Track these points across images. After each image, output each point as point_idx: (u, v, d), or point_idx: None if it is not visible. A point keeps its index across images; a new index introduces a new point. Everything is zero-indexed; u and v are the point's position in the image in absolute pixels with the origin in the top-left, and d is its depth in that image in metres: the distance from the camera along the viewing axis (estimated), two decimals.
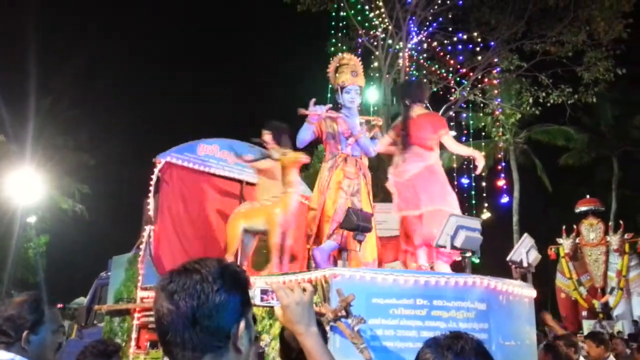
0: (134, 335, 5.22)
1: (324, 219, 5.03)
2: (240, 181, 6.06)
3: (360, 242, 4.42)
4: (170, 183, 5.71)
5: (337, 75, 5.50)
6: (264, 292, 1.50)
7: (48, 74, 21.39)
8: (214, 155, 6.13)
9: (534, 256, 5.04)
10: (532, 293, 5.03)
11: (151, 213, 5.57)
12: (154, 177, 5.63)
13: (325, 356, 1.47)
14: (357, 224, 4.20)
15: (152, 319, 4.68)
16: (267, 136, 5.63)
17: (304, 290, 1.51)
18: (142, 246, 5.52)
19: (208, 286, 1.15)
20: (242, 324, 1.19)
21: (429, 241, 4.87)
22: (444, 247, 4.45)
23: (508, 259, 5.10)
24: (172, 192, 5.72)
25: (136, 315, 5.36)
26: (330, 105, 5.21)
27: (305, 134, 5.09)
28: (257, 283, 1.57)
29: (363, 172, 5.23)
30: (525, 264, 4.95)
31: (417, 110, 5.32)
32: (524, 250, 4.96)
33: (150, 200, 5.61)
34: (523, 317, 4.77)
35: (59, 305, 14.83)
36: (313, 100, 5.08)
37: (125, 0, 31.07)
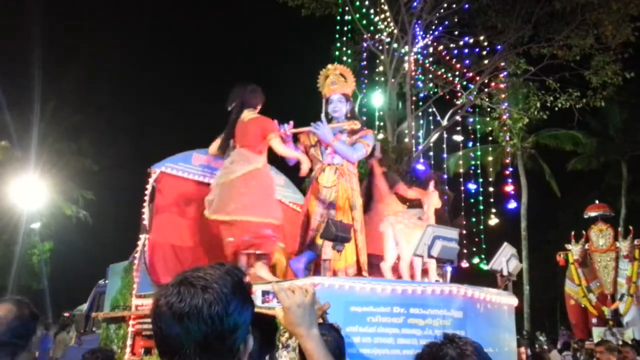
0: (129, 342, 5.28)
1: (303, 229, 5.19)
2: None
3: (339, 252, 4.51)
4: (164, 193, 5.75)
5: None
6: (265, 293, 1.48)
7: (51, 80, 21.38)
8: (209, 165, 6.11)
9: (514, 265, 5.13)
10: (512, 301, 5.16)
11: (146, 222, 5.64)
12: (148, 187, 5.72)
13: (326, 358, 1.45)
14: (336, 234, 4.29)
15: (146, 326, 4.97)
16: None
17: (306, 292, 1.49)
18: (137, 255, 5.61)
19: (222, 309, 1.10)
20: (250, 341, 1.18)
21: (238, 248, 4.87)
22: (422, 256, 4.57)
23: (489, 267, 5.21)
24: (167, 201, 5.75)
25: (131, 322, 5.42)
26: (292, 123, 5.19)
27: (290, 153, 5.16)
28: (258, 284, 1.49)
29: (345, 178, 5.19)
30: (505, 273, 5.07)
31: (248, 114, 5.22)
32: (504, 259, 5.08)
33: (145, 210, 5.68)
34: (501, 324, 4.90)
35: (66, 314, 14.68)
36: (275, 121, 5.14)
37: (128, 6, 31.18)
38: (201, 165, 6.04)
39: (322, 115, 5.13)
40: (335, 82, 5.38)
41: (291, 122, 5.15)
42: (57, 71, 22.29)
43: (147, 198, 5.69)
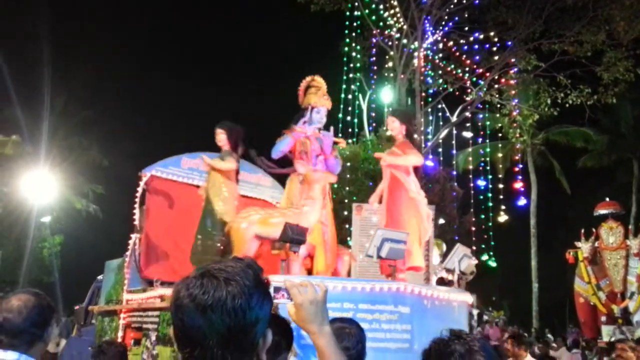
0: (120, 333, 5.62)
1: None
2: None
3: (295, 252, 4.81)
4: (155, 195, 6.09)
5: (306, 95, 5.66)
6: (276, 289, 1.44)
7: (61, 76, 21.49)
8: (197, 169, 6.40)
9: (467, 264, 5.48)
10: (463, 297, 5.42)
11: (137, 222, 5.96)
12: (139, 189, 6.04)
13: (338, 357, 1.44)
14: (291, 237, 4.61)
15: (135, 319, 5.34)
16: (221, 135, 5.71)
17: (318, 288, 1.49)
18: (128, 253, 5.94)
19: (245, 302, 1.10)
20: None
21: None
22: (372, 257, 4.93)
23: (442, 266, 5.63)
24: (157, 203, 6.08)
25: (122, 315, 5.75)
26: (319, 126, 5.45)
27: (285, 147, 5.31)
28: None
29: (328, 189, 5.47)
30: (457, 272, 5.42)
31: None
32: (457, 259, 5.39)
33: (136, 211, 6.00)
34: (450, 319, 5.15)
35: (76, 307, 14.83)
36: (303, 119, 5.39)
37: (139, 3, 31.25)
38: (190, 168, 6.35)
39: (332, 127, 5.36)
40: (327, 97, 5.59)
41: (315, 125, 5.37)
42: (67, 67, 22.40)
43: (137, 200, 6.01)
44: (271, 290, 1.45)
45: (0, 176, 21.37)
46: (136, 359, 5.12)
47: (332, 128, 5.46)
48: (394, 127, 5.85)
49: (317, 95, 5.55)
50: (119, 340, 5.52)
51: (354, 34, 17.55)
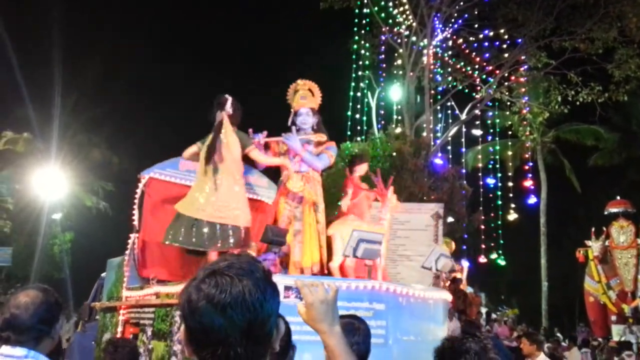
0: (119, 329, 5.92)
1: None
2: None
3: (275, 253, 5.04)
4: (153, 196, 6.28)
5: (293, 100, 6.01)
6: (287, 288, 1.48)
7: (72, 74, 21.62)
8: (194, 170, 6.52)
9: (443, 263, 5.89)
10: (439, 295, 5.73)
11: (135, 223, 6.22)
12: (138, 191, 6.30)
13: (348, 356, 1.45)
14: (271, 238, 4.87)
15: (133, 315, 5.77)
16: (229, 109, 5.55)
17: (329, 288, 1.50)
18: (127, 252, 6.20)
19: (261, 295, 1.12)
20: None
21: None
22: (349, 256, 5.18)
23: (421, 265, 5.97)
24: (155, 204, 6.27)
25: (121, 312, 6.04)
26: (266, 132, 5.67)
27: (262, 159, 5.59)
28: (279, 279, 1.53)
29: (310, 184, 5.66)
30: (434, 270, 5.88)
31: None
32: (434, 259, 5.84)
33: (135, 212, 6.26)
34: (426, 316, 5.46)
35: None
36: (250, 130, 5.60)
37: (147, 3, 31.35)
38: (187, 170, 6.52)
39: (293, 128, 5.58)
40: (305, 97, 5.83)
41: (265, 132, 5.62)
42: (77, 66, 22.51)
43: (136, 201, 6.27)
44: (281, 289, 1.45)
45: (13, 173, 21.57)
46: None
47: (293, 128, 5.62)
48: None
49: (296, 98, 5.85)
50: (119, 335, 5.81)
51: (363, 32, 17.51)
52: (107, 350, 3.19)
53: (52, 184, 20.09)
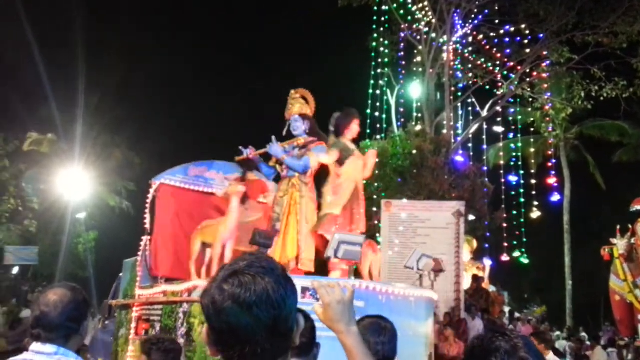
0: (133, 324, 6.30)
1: None
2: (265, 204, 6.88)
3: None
4: (164, 200, 6.70)
5: None
6: (304, 289, 1.47)
7: (95, 75, 21.91)
8: (203, 176, 7.06)
9: (425, 263, 6.20)
10: (421, 293, 5.90)
11: (147, 226, 6.65)
12: (149, 196, 6.71)
13: (365, 356, 1.46)
14: (258, 241, 5.21)
15: (145, 312, 6.15)
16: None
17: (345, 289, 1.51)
18: (140, 253, 6.62)
19: (284, 291, 1.14)
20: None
21: None
22: (330, 257, 5.45)
23: (404, 265, 6.28)
24: (166, 208, 6.70)
25: (135, 309, 6.40)
26: (252, 148, 6.00)
27: (265, 172, 6.09)
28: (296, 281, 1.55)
29: (296, 188, 5.90)
30: (416, 270, 6.20)
31: (251, 177, 6.60)
32: (415, 259, 6.16)
33: (147, 216, 6.67)
34: (407, 313, 5.57)
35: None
36: (241, 147, 5.98)
37: (170, 4, 31.64)
38: (196, 176, 6.96)
39: (273, 137, 5.84)
40: (293, 105, 6.10)
41: (251, 147, 5.96)
42: (100, 67, 22.80)
43: (148, 205, 6.69)
44: (298, 290, 1.46)
45: (38, 173, 21.99)
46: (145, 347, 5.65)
47: (273, 137, 5.85)
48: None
49: (286, 108, 6.16)
50: (133, 330, 6.24)
51: (381, 29, 17.44)
52: (166, 350, 3.02)
53: (76, 184, 20.43)
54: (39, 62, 19.85)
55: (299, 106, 6.05)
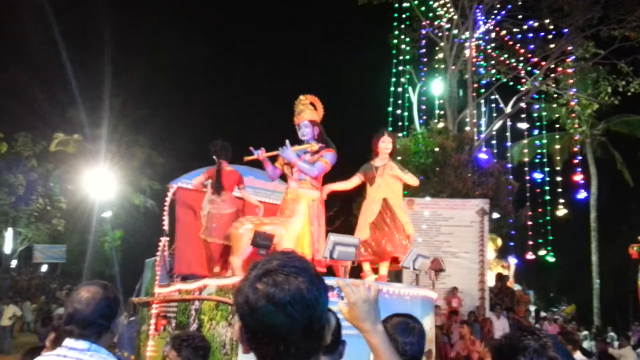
0: (153, 321, 6.59)
1: None
2: (241, 198, 6.93)
3: (262, 256, 5.33)
4: (181, 203, 6.99)
5: None
6: (329, 288, 1.47)
7: (119, 77, 22.25)
8: None
9: (421, 263, 6.31)
10: (417, 292, 6.02)
11: (165, 227, 6.96)
12: (167, 199, 7.02)
13: (391, 355, 1.46)
14: (258, 242, 5.30)
15: (163, 309, 6.45)
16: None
17: (370, 288, 1.52)
18: (159, 253, 6.93)
19: (317, 290, 1.14)
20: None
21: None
22: (325, 258, 5.51)
23: (400, 265, 6.36)
24: (184, 210, 6.96)
25: (154, 306, 6.71)
26: (264, 149, 6.04)
27: (270, 172, 6.17)
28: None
29: (308, 190, 6.04)
30: (412, 269, 6.30)
31: (226, 166, 6.67)
32: (412, 259, 6.23)
33: (165, 218, 6.98)
34: (400, 310, 5.48)
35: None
36: (251, 148, 6.01)
37: (195, 6, 31.91)
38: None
39: (287, 141, 5.92)
40: (302, 111, 6.22)
41: (262, 149, 6.01)
42: (125, 68, 23.13)
43: (166, 208, 6.99)
44: None
45: (64, 173, 22.45)
46: (162, 342, 5.86)
47: (287, 141, 5.92)
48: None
49: (295, 114, 6.29)
50: (153, 326, 6.48)
51: (403, 26, 17.35)
52: (194, 348, 3.04)
53: (101, 183, 20.80)
54: (65, 64, 20.25)
55: (309, 112, 6.20)
